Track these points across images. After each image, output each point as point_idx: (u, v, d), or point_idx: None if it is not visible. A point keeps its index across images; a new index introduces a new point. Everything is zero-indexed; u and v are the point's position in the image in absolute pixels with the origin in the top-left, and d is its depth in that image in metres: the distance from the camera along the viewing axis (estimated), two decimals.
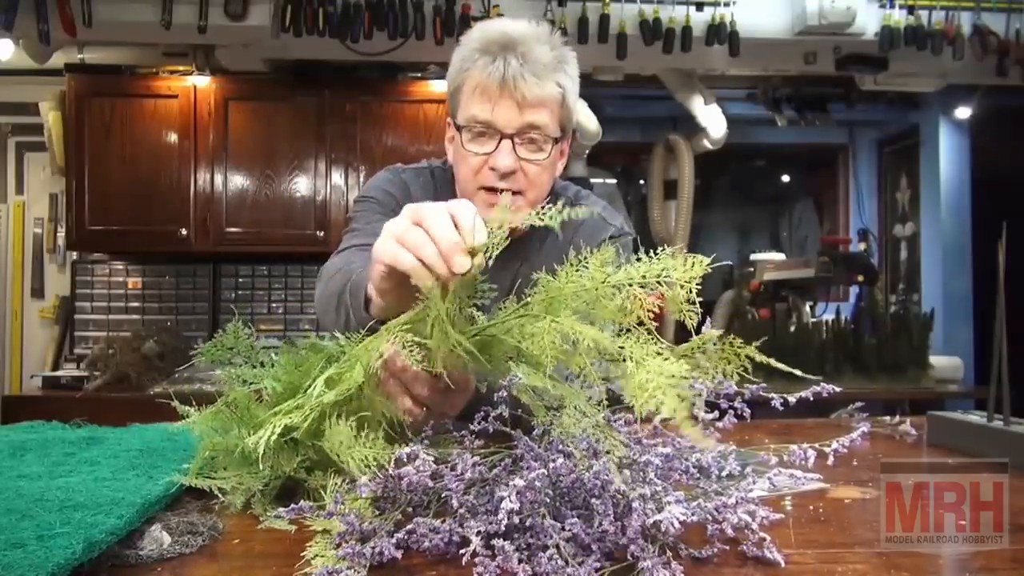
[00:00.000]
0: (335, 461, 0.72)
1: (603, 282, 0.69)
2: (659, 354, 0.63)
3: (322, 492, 0.73)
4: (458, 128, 1.17)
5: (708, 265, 0.68)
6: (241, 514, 0.80)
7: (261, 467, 0.77)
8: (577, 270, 0.71)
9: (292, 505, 0.73)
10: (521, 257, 1.23)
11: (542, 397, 0.76)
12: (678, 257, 0.68)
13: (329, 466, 0.76)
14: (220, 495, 0.80)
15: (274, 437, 0.72)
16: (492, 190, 1.14)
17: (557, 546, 0.62)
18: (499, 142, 1.13)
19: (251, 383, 0.86)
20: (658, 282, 0.68)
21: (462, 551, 0.62)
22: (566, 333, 0.67)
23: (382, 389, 0.79)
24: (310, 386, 0.77)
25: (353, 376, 0.74)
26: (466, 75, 1.14)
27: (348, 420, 0.73)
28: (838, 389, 0.81)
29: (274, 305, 3.66)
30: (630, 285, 0.68)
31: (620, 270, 0.69)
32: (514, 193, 1.14)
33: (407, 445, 0.69)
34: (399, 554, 0.65)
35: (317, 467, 0.78)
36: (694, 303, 0.68)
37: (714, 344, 0.72)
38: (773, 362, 0.72)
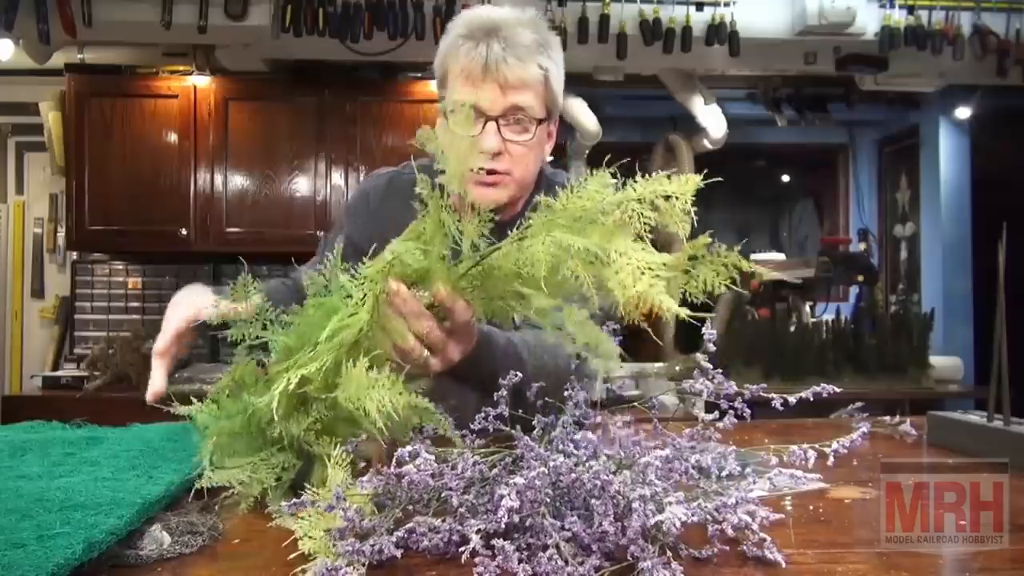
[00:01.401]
0: (351, 413, 0.73)
1: (601, 201, 0.71)
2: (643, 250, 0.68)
3: (326, 461, 0.73)
4: (445, 113, 1.18)
5: (701, 183, 0.72)
6: (241, 514, 0.80)
7: (274, 431, 0.77)
8: (578, 195, 0.73)
9: (294, 500, 0.73)
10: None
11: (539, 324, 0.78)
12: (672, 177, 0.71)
13: (338, 431, 0.76)
14: (235, 486, 0.79)
15: (290, 388, 0.73)
16: (480, 171, 1.15)
17: (557, 546, 0.62)
18: (484, 124, 1.15)
19: (260, 341, 0.85)
20: (653, 202, 0.71)
21: (461, 549, 0.62)
22: (561, 244, 0.70)
23: (386, 327, 0.79)
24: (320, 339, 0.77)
25: (360, 316, 0.76)
26: (451, 61, 1.17)
27: (361, 363, 0.73)
28: (838, 389, 0.81)
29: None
30: (628, 202, 0.71)
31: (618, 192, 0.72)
32: (500, 173, 1.16)
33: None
34: (399, 552, 0.65)
35: (327, 431, 0.78)
36: (688, 213, 0.72)
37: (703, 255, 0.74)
38: (757, 268, 0.76)
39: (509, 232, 0.85)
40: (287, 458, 0.80)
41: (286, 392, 0.74)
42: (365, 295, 0.78)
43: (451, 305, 0.80)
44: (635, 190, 0.71)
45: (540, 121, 1.18)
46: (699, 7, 3.08)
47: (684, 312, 0.68)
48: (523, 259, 0.74)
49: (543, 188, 1.26)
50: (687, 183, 0.71)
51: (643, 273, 0.67)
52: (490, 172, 1.15)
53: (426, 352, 0.82)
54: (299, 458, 0.81)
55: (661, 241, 0.76)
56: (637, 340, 3.64)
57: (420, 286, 0.80)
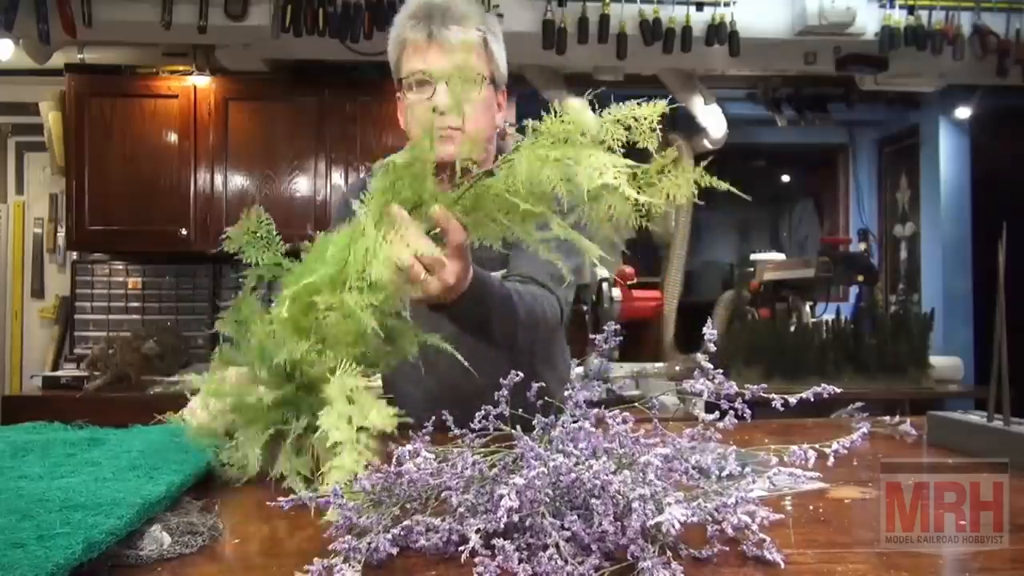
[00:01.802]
0: (346, 332, 0.81)
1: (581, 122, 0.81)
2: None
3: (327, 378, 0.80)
4: (400, 84, 1.33)
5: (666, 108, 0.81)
6: (241, 514, 0.80)
7: (277, 344, 0.86)
8: (560, 117, 0.81)
9: (292, 496, 0.73)
10: None
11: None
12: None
13: (338, 350, 0.84)
14: (227, 463, 0.84)
15: (297, 295, 0.83)
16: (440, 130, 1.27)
17: (557, 545, 0.62)
18: (435, 87, 1.27)
19: (276, 268, 0.95)
20: (625, 126, 0.80)
21: (461, 549, 0.62)
22: (539, 155, 0.79)
23: (386, 249, 0.85)
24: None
25: (367, 228, 0.84)
26: (401, 41, 1.31)
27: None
28: (838, 389, 0.81)
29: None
30: (605, 122, 0.81)
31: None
32: (455, 129, 1.23)
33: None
34: (395, 551, 0.65)
35: (327, 349, 0.85)
36: (655, 130, 0.80)
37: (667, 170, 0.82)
38: (718, 182, 0.82)
39: None
40: (285, 414, 0.85)
41: (295, 297, 0.83)
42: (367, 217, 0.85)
43: (446, 225, 0.87)
44: (611, 113, 0.81)
45: (487, 79, 1.31)
46: (699, 7, 3.08)
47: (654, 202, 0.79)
48: (509, 179, 0.82)
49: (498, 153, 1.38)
50: (655, 107, 0.81)
51: (608, 169, 0.76)
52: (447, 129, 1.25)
53: (424, 273, 0.87)
54: (297, 416, 0.85)
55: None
56: (637, 340, 3.64)
57: (417, 214, 0.87)
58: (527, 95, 3.59)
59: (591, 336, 0.88)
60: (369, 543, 0.63)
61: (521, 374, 0.86)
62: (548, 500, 0.66)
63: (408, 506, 0.73)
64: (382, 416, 0.78)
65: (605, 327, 0.87)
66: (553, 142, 0.81)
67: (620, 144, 0.80)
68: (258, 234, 1.03)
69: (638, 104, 0.81)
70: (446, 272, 0.90)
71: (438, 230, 0.88)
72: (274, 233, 0.93)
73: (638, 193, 0.78)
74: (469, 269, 0.96)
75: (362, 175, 1.50)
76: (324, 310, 0.85)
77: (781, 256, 4.01)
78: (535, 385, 0.86)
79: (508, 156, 0.84)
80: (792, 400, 0.83)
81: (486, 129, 1.33)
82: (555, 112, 0.82)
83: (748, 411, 0.82)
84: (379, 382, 1.41)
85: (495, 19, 1.35)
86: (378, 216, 0.85)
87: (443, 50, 1.27)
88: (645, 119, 0.80)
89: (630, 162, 0.78)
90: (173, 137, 3.42)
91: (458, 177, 0.87)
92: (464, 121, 1.24)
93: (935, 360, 3.52)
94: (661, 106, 0.81)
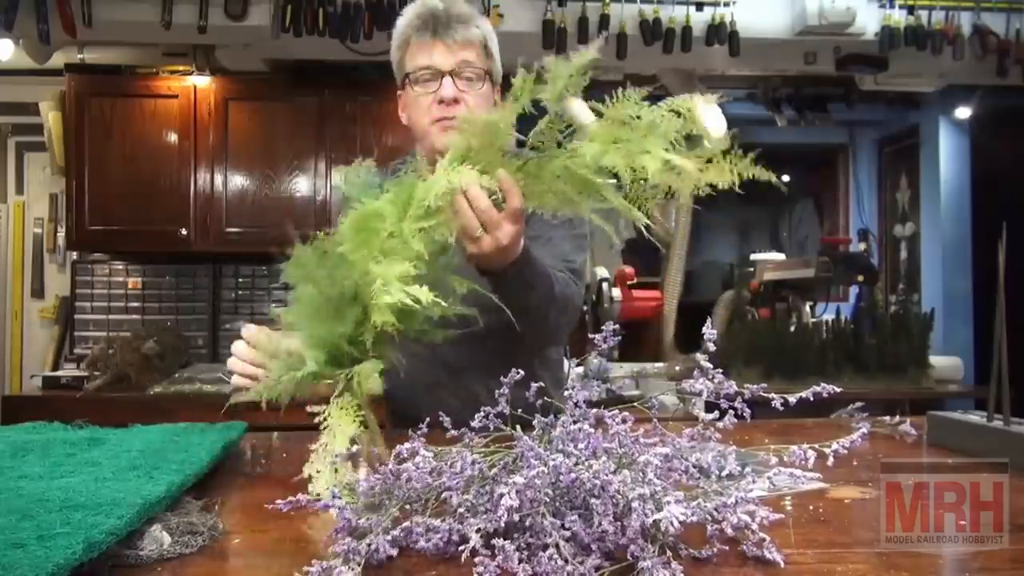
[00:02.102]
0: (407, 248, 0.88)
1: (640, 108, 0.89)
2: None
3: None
4: (407, 79, 1.40)
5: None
6: (241, 514, 0.80)
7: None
8: (622, 104, 0.88)
9: (290, 498, 0.73)
10: None
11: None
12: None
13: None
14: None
15: (361, 215, 0.92)
16: (442, 119, 1.35)
17: (557, 545, 0.62)
18: (441, 79, 1.35)
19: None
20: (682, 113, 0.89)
21: (461, 549, 0.62)
22: (605, 141, 0.88)
23: (452, 205, 0.94)
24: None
25: (439, 184, 0.90)
26: (406, 40, 1.39)
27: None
28: (838, 389, 0.81)
29: (274, 305, 3.66)
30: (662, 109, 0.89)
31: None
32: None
33: None
34: (395, 551, 0.65)
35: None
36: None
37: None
38: (764, 172, 0.91)
39: None
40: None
41: (358, 225, 0.91)
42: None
43: (509, 189, 0.93)
44: (670, 104, 0.90)
45: (486, 74, 1.39)
46: (699, 7, 3.08)
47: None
48: (574, 158, 0.89)
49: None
50: (710, 100, 0.92)
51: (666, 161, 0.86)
52: (451, 119, 1.32)
53: (480, 230, 0.95)
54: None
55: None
56: (637, 340, 3.64)
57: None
58: None
59: (591, 336, 0.88)
60: (369, 545, 0.63)
61: (522, 372, 0.86)
62: (548, 500, 0.66)
63: (408, 507, 0.73)
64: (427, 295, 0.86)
65: (604, 327, 0.87)
66: (618, 127, 0.88)
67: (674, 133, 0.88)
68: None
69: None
70: (502, 232, 0.97)
71: (498, 194, 0.94)
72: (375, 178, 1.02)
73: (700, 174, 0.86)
74: (522, 236, 1.03)
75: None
76: (386, 236, 0.91)
77: (781, 256, 4.01)
78: (534, 385, 0.86)
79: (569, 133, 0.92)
80: (792, 400, 0.83)
81: None
82: (618, 99, 0.88)
83: (748, 411, 0.82)
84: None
85: (491, 28, 1.44)
86: (452, 166, 0.92)
87: (448, 47, 1.35)
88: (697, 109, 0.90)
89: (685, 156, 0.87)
90: (173, 137, 3.42)
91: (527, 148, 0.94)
92: (468, 112, 1.34)
93: (935, 360, 3.52)
94: (712, 99, 0.92)
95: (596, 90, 0.92)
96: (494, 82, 1.43)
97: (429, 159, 1.37)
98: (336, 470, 0.80)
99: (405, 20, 1.40)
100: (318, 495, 0.75)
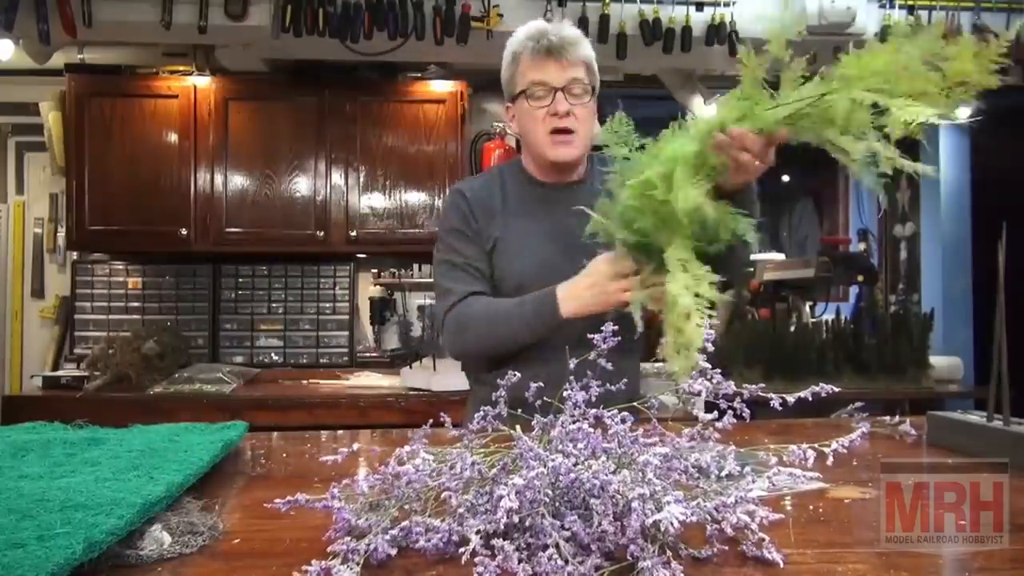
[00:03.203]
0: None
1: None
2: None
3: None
4: (521, 94, 1.51)
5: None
6: (241, 514, 0.80)
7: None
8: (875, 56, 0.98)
9: (289, 498, 0.73)
10: (585, 191, 1.55)
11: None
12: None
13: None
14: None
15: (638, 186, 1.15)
16: (556, 132, 1.49)
17: (557, 545, 0.62)
18: (554, 94, 1.48)
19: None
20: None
21: (462, 550, 0.63)
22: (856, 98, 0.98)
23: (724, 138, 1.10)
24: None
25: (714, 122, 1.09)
26: (519, 57, 1.51)
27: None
28: (838, 389, 0.81)
29: (274, 305, 3.66)
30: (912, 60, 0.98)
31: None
32: (571, 132, 1.50)
33: None
34: (394, 551, 0.65)
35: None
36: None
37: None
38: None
39: (575, 190, 1.53)
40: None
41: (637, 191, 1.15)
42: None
43: (774, 131, 1.07)
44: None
45: (593, 90, 1.51)
46: (699, 7, 3.08)
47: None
48: (831, 109, 0.99)
49: (594, 161, 1.61)
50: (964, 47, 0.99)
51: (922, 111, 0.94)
52: (564, 131, 1.49)
53: (746, 155, 1.08)
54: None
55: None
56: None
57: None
58: None
59: (590, 336, 0.88)
60: (368, 544, 0.64)
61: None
62: (548, 500, 0.66)
63: (407, 507, 0.73)
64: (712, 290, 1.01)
65: (604, 327, 0.87)
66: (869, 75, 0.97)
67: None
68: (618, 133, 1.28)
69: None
70: (767, 157, 1.12)
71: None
72: (632, 132, 1.25)
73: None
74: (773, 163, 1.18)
75: (455, 194, 1.65)
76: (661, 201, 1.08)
77: (781, 256, 4.01)
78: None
79: (824, 85, 1.03)
80: (791, 400, 0.83)
81: (592, 135, 1.54)
82: (868, 51, 0.99)
83: (747, 411, 0.82)
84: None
85: (586, 39, 1.55)
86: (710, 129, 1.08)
87: (560, 66, 1.48)
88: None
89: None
90: (173, 137, 3.42)
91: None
92: (580, 125, 1.50)
93: (935, 360, 3.52)
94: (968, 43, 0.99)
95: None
96: (595, 95, 1.54)
97: (538, 165, 1.57)
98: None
99: (516, 40, 1.53)
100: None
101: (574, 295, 1.38)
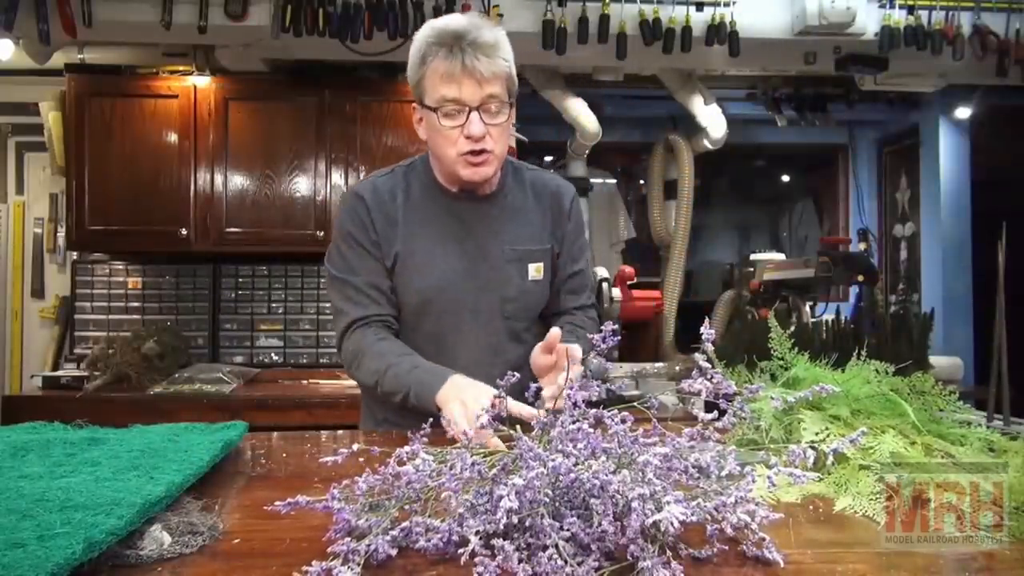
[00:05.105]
0: None
1: None
2: None
3: None
4: (431, 109, 1.38)
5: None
6: (241, 514, 0.80)
7: None
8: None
9: (289, 500, 0.73)
10: (497, 205, 1.50)
11: None
12: None
13: None
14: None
15: None
16: (470, 153, 1.38)
17: (556, 546, 0.62)
18: (468, 114, 1.35)
19: None
20: None
21: (461, 551, 0.63)
22: None
23: None
24: None
25: None
26: (429, 65, 1.36)
27: None
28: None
29: (274, 305, 3.66)
30: None
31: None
32: (487, 152, 1.39)
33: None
34: (394, 551, 0.65)
35: None
36: None
37: None
38: None
39: (487, 204, 1.42)
40: None
41: None
42: None
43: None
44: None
45: (508, 105, 1.40)
46: (699, 7, 3.08)
47: None
48: None
49: (509, 169, 1.53)
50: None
51: None
52: (479, 152, 1.37)
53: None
54: None
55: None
56: (637, 340, 3.64)
57: None
58: (527, 95, 3.59)
59: (590, 336, 0.88)
60: (368, 545, 0.63)
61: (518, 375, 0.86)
62: (547, 500, 0.66)
63: (407, 507, 0.73)
64: None
65: (604, 327, 0.87)
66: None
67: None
68: None
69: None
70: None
71: None
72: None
73: None
74: None
75: (367, 176, 1.55)
76: None
77: (781, 256, 4.01)
78: (533, 386, 0.87)
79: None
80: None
81: (506, 149, 1.46)
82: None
83: (747, 410, 0.81)
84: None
85: (506, 36, 1.41)
86: None
87: (476, 82, 1.34)
88: None
89: None
90: (173, 137, 3.42)
91: None
92: (495, 145, 1.39)
93: (935, 360, 3.51)
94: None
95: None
96: (512, 103, 1.43)
97: (448, 183, 1.47)
98: None
99: (424, 37, 1.37)
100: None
101: (451, 398, 1.26)
